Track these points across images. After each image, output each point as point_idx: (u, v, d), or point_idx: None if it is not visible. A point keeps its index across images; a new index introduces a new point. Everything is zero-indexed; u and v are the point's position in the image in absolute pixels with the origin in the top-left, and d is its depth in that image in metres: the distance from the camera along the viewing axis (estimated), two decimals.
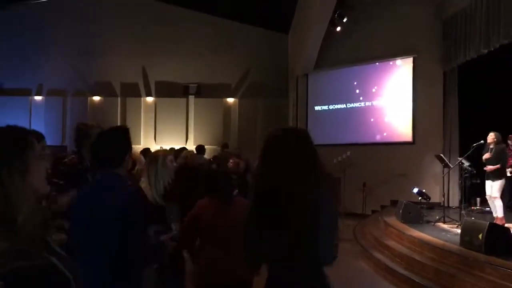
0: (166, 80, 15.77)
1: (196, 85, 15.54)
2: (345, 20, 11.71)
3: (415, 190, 9.38)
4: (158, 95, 15.92)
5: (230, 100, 15.95)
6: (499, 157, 7.38)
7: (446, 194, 9.51)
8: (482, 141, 7.62)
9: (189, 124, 15.80)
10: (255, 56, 15.52)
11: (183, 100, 15.78)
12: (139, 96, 15.95)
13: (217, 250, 3.38)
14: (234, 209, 3.42)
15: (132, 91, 15.86)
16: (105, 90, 15.83)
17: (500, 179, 7.33)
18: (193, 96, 15.71)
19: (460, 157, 8.69)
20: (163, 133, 15.52)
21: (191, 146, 14.29)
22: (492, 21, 8.91)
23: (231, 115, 15.91)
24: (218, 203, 3.51)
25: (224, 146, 12.61)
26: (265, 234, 2.07)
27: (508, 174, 8.47)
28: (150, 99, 15.95)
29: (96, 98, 15.91)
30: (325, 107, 13.35)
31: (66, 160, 3.67)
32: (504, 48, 8.90)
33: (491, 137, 7.51)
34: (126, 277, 2.33)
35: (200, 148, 9.18)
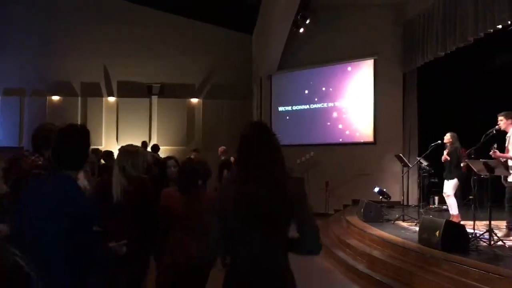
0: (129, 80, 15.51)
1: (159, 85, 15.36)
2: (308, 22, 11.83)
3: (376, 189, 9.58)
4: (120, 95, 15.64)
5: (194, 100, 15.85)
6: (454, 157, 7.61)
7: (405, 193, 9.77)
8: (439, 141, 7.85)
9: (152, 125, 15.60)
10: (219, 57, 15.48)
11: (146, 100, 15.57)
12: (101, 96, 15.62)
13: (180, 235, 3.53)
14: (196, 199, 3.57)
15: (93, 91, 15.51)
16: (65, 89, 15.42)
17: (453, 178, 7.56)
18: (157, 96, 15.53)
19: (419, 156, 8.93)
20: (125, 134, 15.24)
21: None
22: (448, 25, 9.19)
23: (195, 116, 15.82)
24: (179, 193, 3.64)
25: (195, 151, 12.36)
26: (237, 227, 2.09)
27: None
28: (112, 99, 15.65)
29: (56, 98, 15.47)
30: (289, 108, 13.46)
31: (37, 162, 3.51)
32: (460, 51, 9.21)
33: (447, 137, 7.76)
34: (71, 278, 2.28)
35: (154, 147, 9.48)
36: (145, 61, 15.16)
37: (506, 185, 6.09)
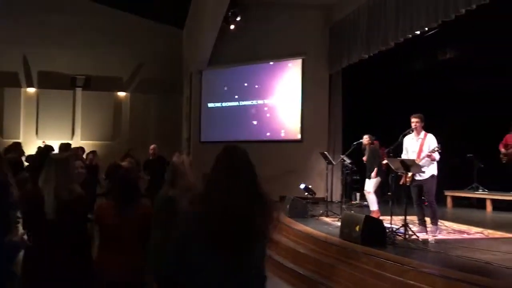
0: (51, 71, 14.74)
1: (84, 77, 14.75)
2: (238, 18, 11.86)
3: (302, 186, 9.80)
4: (41, 86, 14.83)
5: (122, 94, 15.39)
6: (372, 157, 7.99)
7: (329, 190, 10.11)
8: (361, 140, 8.20)
9: (76, 118, 14.95)
10: (148, 50, 15.12)
11: (70, 92, 14.89)
12: (19, 86, 14.72)
13: (111, 249, 3.32)
14: (134, 212, 3.36)
15: (10, 81, 14.56)
16: None
17: (375, 177, 7.94)
18: (81, 88, 14.89)
19: (343, 154, 9.27)
20: (46, 127, 14.47)
21: (77, 142, 13.55)
22: (372, 29, 9.62)
23: (122, 110, 15.37)
24: (115, 204, 3.40)
25: (127, 155, 11.77)
26: (200, 254, 2.02)
27: None
28: (31, 90, 14.80)
29: None
30: (218, 104, 13.44)
31: None
32: (382, 54, 9.66)
33: (365, 139, 8.13)
34: None
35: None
36: (70, 52, 14.50)
37: (413, 183, 6.44)
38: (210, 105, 13.57)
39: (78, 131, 14.77)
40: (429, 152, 6.24)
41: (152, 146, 9.69)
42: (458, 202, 10.63)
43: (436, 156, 6.22)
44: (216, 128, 12.84)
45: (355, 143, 8.25)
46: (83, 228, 3.37)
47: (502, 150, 10.07)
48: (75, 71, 14.75)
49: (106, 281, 3.30)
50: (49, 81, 14.72)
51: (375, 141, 8.38)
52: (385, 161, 8.06)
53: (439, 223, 6.69)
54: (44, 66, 14.72)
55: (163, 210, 3.38)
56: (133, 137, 14.47)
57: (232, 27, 12.08)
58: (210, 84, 13.59)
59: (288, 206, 8.54)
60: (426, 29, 8.33)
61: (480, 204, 10.22)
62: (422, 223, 6.64)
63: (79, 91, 14.93)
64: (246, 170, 2.17)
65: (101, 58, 14.81)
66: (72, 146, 8.62)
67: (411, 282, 4.55)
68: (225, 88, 13.27)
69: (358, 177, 10.12)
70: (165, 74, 15.21)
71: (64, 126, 14.65)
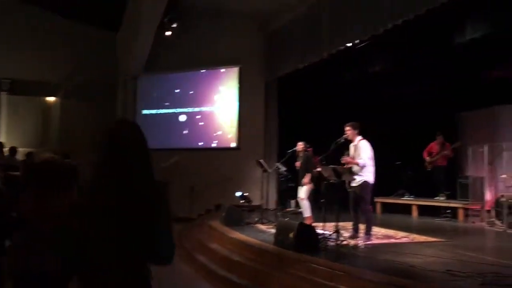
0: None
1: (9, 80, 13.96)
2: (175, 25, 11.75)
3: (238, 193, 9.83)
4: None
5: (51, 99, 14.70)
6: (305, 164, 8.16)
7: (265, 197, 10.18)
8: (295, 148, 8.34)
9: (0, 123, 14.10)
10: (81, 55, 14.54)
11: None
12: None
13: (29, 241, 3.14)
14: (54, 203, 3.21)
15: None
16: None
17: (309, 183, 8.10)
18: (6, 92, 14.09)
19: (278, 162, 9.39)
20: None
21: None
22: (307, 39, 9.86)
23: (52, 116, 14.67)
24: (35, 196, 3.24)
25: (66, 156, 11.25)
26: (93, 238, 1.91)
27: None
28: None
29: None
30: (154, 111, 13.20)
31: None
32: (317, 64, 9.91)
33: (299, 146, 8.29)
34: None
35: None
36: None
37: (349, 190, 6.68)
38: (145, 112, 13.31)
39: (3, 136, 13.92)
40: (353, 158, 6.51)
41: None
42: (387, 208, 11.09)
43: (361, 161, 6.42)
44: (152, 136, 12.46)
45: (289, 151, 8.38)
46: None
47: (427, 158, 10.63)
48: (0, 74, 13.94)
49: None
50: None
51: (309, 149, 8.56)
52: (318, 169, 8.27)
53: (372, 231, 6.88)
54: None
55: None
56: (63, 145, 13.84)
57: (168, 33, 11.95)
58: (146, 90, 13.35)
59: (224, 214, 8.52)
60: (358, 41, 8.67)
61: (407, 209, 10.72)
62: (356, 229, 6.84)
63: (4, 95, 14.12)
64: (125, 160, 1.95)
65: (29, 61, 14.07)
66: None
67: (342, 286, 4.67)
68: (161, 95, 13.08)
69: (293, 185, 10.28)
70: (98, 79, 14.69)
71: None
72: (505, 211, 7.96)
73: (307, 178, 8.07)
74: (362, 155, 6.44)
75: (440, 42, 9.09)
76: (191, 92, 12.76)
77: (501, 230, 7.98)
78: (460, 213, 9.59)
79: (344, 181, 6.68)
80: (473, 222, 9.16)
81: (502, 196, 8.29)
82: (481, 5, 7.78)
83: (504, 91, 10.31)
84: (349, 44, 8.80)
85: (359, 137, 6.65)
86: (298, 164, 8.23)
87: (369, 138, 6.89)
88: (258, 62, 12.01)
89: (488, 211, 8.91)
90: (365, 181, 6.51)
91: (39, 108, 14.52)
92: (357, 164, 6.44)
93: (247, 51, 12.13)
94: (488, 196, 9.74)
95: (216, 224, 8.57)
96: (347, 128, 6.68)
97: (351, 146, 6.74)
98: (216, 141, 12.41)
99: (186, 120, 12.78)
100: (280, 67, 11.09)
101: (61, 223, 2.01)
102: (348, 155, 6.69)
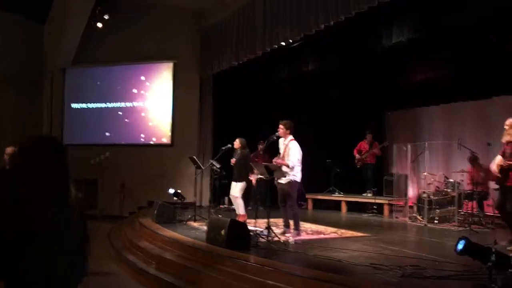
0: None
1: None
2: (107, 17, 11.37)
3: (171, 190, 9.67)
4: None
5: None
6: (242, 161, 8.20)
7: (199, 194, 10.14)
8: (229, 145, 8.35)
9: None
10: (5, 45, 13.67)
11: None
12: None
13: None
14: None
15: None
16: None
17: (242, 181, 8.14)
18: None
19: (212, 159, 9.35)
20: None
21: None
22: (241, 37, 9.88)
23: None
24: None
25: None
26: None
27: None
28: None
29: None
30: (84, 105, 12.71)
31: None
32: (252, 62, 9.98)
33: (236, 143, 8.31)
34: None
35: None
36: None
37: (278, 186, 6.79)
38: (74, 105, 12.78)
39: None
40: (281, 159, 6.62)
41: (8, 150, 8.79)
42: (318, 204, 11.41)
43: (290, 163, 6.55)
44: (82, 131, 12.17)
45: (223, 148, 8.37)
46: None
47: (357, 156, 11.04)
48: None
49: None
50: None
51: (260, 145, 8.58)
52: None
53: (300, 227, 7.04)
54: None
55: None
56: None
57: (99, 25, 11.54)
58: (75, 83, 12.81)
59: (155, 212, 8.38)
60: (291, 41, 8.82)
61: (336, 205, 11.08)
62: (286, 225, 6.97)
63: None
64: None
65: None
66: None
67: (271, 282, 4.74)
68: (91, 89, 12.59)
69: (226, 181, 10.29)
70: (23, 71, 13.87)
71: None
72: (426, 206, 8.44)
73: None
74: (291, 157, 6.55)
75: (370, 44, 9.47)
76: (124, 86, 12.40)
77: (421, 225, 8.45)
78: (385, 208, 10.06)
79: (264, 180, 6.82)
80: (397, 218, 9.64)
81: (424, 192, 8.77)
82: (406, 10, 8.18)
83: (428, 92, 10.96)
84: (283, 43, 8.93)
85: (290, 137, 6.75)
86: (233, 161, 8.23)
87: (301, 136, 7.04)
88: (193, 58, 11.88)
89: (411, 206, 9.39)
90: (291, 180, 6.64)
91: None
92: (287, 166, 6.56)
93: (182, 47, 11.97)
94: (411, 192, 10.30)
95: (147, 221, 8.41)
96: (281, 126, 6.77)
97: (282, 144, 6.84)
98: (149, 137, 12.16)
99: (117, 115, 12.41)
100: (215, 64, 11.04)
101: None
102: (280, 155, 6.78)
